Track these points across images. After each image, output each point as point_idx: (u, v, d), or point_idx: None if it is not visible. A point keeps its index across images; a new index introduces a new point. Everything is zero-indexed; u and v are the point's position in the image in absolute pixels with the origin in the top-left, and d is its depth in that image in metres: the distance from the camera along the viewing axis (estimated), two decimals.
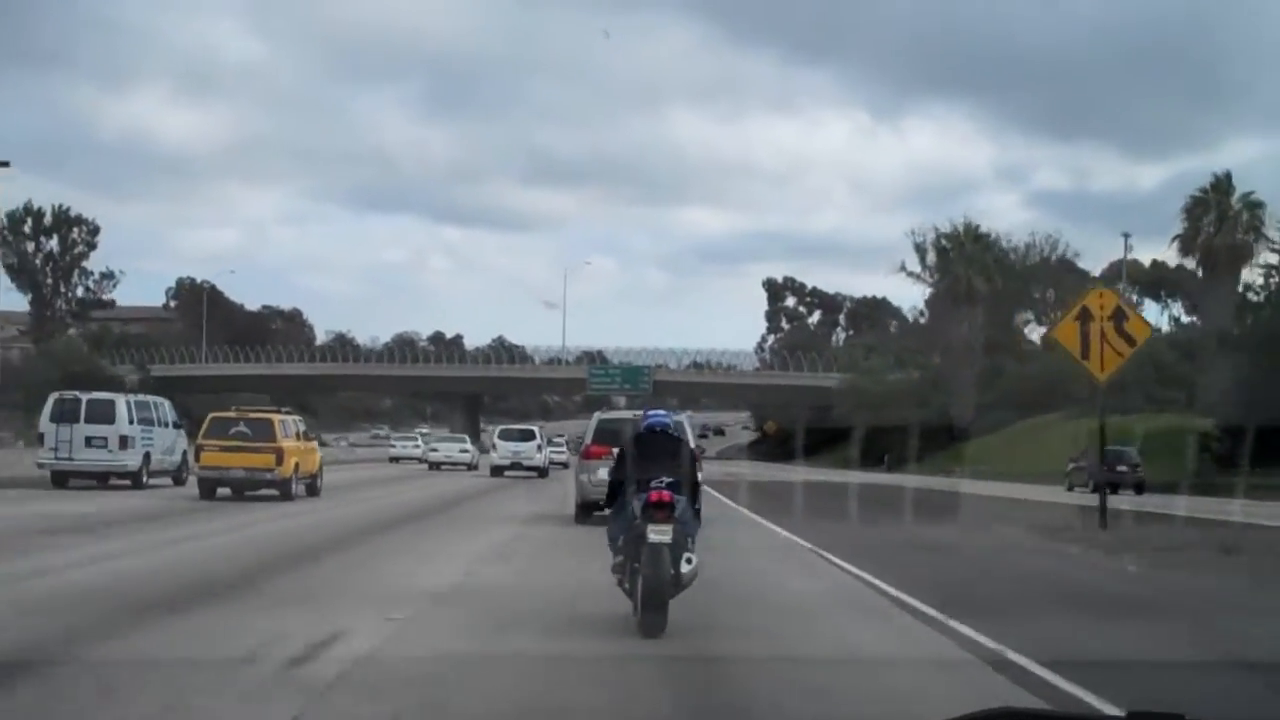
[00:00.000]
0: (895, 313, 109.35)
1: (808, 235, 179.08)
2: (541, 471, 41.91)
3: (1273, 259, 50.14)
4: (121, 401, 28.12)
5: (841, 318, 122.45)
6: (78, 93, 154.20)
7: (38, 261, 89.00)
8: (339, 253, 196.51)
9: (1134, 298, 75.46)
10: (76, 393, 28.64)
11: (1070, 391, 57.16)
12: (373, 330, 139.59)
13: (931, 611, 10.44)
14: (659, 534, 8.92)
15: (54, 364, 66.07)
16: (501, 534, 18.33)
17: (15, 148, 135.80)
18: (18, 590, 10.86)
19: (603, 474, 13.48)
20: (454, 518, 22.40)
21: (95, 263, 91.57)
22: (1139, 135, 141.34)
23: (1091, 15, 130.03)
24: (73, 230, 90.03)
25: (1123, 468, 36.17)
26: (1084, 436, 43.21)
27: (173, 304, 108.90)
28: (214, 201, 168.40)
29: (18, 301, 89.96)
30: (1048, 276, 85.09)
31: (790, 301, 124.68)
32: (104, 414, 27.04)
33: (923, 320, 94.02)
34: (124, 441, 27.00)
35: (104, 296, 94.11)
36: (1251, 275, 55.42)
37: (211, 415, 26.29)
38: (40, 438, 27.62)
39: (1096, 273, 76.68)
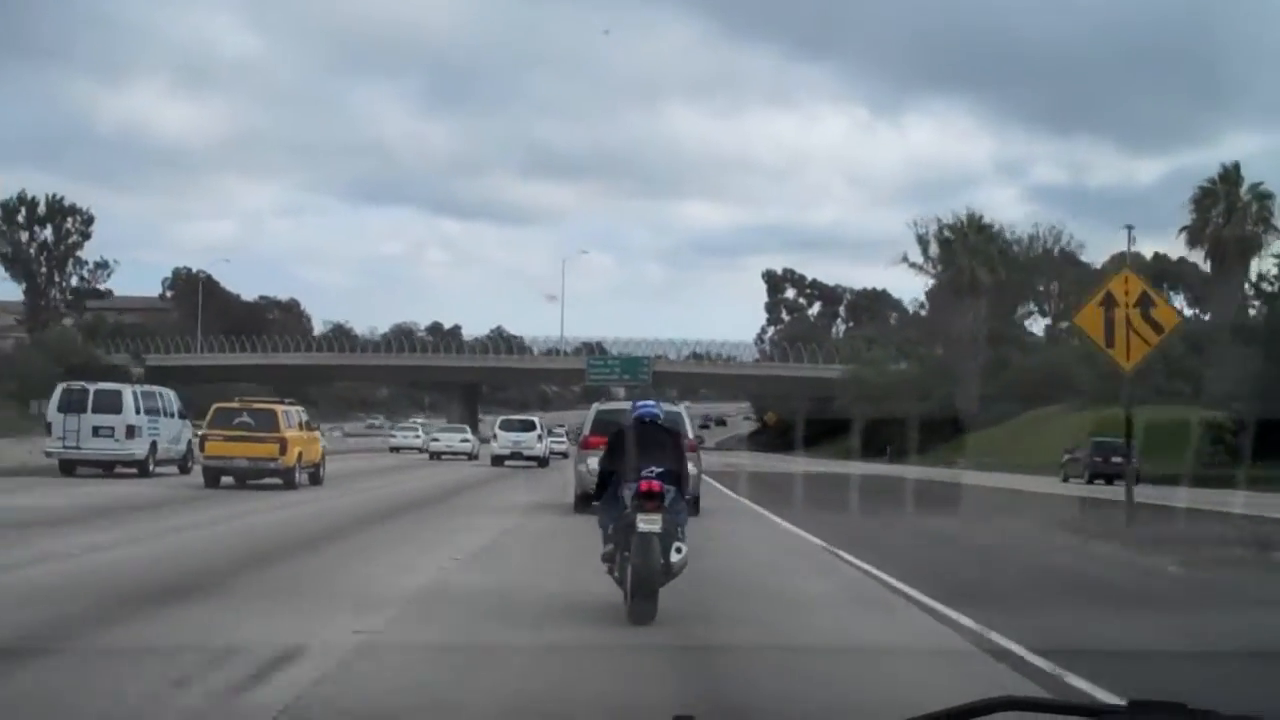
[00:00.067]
0: (896, 305, 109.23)
1: (807, 229, 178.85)
2: (542, 461, 41.98)
3: None
4: (128, 392, 28.49)
5: (841, 309, 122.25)
6: (75, 86, 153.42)
7: (32, 251, 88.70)
8: (337, 245, 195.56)
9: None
10: (84, 383, 29.21)
11: (1073, 383, 57.11)
12: (371, 321, 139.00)
13: (933, 603, 10.44)
14: (649, 523, 8.97)
15: (48, 354, 66.11)
16: (501, 523, 18.37)
17: (13, 141, 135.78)
18: None
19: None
20: (454, 507, 22.51)
21: (90, 252, 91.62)
22: (1139, 130, 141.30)
23: (1092, 10, 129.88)
24: (67, 220, 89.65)
25: (1118, 459, 36.04)
26: (1087, 428, 43.26)
27: (169, 294, 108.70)
28: (211, 194, 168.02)
29: (12, 291, 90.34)
30: (1051, 269, 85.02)
31: (790, 293, 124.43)
32: (111, 404, 27.41)
33: (923, 312, 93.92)
34: (131, 431, 27.33)
35: (99, 286, 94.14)
36: (1263, 266, 55.36)
37: (215, 405, 26.68)
38: (48, 427, 27.95)
39: (1099, 265, 76.40)
